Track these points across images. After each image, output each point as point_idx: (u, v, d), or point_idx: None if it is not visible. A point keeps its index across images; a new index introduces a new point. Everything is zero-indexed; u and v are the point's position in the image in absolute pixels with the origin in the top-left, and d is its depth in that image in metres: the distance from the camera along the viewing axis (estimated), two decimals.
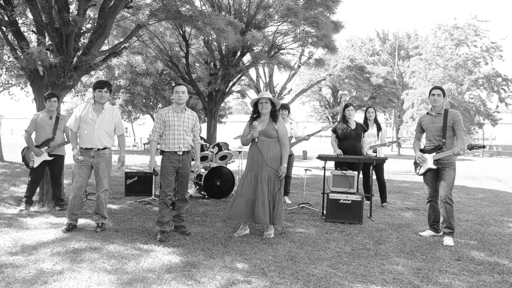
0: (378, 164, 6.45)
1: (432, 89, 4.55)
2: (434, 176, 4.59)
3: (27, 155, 5.64)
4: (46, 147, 5.61)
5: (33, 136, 5.65)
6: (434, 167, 4.49)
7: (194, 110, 22.53)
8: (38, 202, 5.84)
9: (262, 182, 4.41)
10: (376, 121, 6.67)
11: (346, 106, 6.17)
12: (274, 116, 4.54)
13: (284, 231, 4.78)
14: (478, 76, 25.78)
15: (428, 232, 4.67)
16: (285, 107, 6.74)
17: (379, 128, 6.60)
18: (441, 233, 4.62)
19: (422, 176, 4.76)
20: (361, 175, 6.36)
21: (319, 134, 6.70)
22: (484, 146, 4.62)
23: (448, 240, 4.36)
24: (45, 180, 5.85)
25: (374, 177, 6.42)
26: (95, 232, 4.52)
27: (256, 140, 4.49)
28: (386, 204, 6.54)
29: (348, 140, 6.03)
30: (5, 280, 3.10)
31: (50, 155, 5.65)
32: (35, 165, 5.62)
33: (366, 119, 6.65)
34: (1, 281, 3.08)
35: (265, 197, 4.39)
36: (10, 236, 4.28)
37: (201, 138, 7.84)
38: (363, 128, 6.20)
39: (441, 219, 4.52)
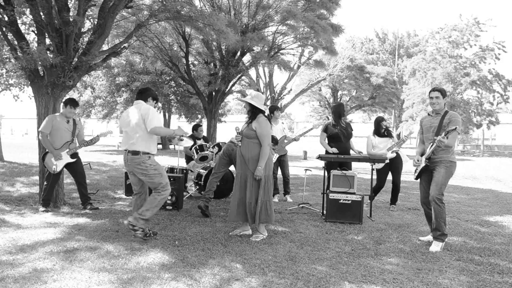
0: (395, 167, 6.35)
1: (430, 92, 4.41)
2: (428, 179, 4.39)
3: (48, 160, 5.56)
4: (67, 150, 5.61)
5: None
6: (423, 164, 4.37)
7: (194, 110, 22.60)
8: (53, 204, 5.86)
9: (246, 182, 4.46)
10: (386, 129, 6.44)
11: (341, 105, 6.29)
12: (253, 116, 4.52)
13: (273, 234, 4.77)
14: (473, 79, 25.81)
15: (428, 238, 4.53)
16: (277, 108, 6.89)
17: (389, 135, 6.42)
18: None
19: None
20: (375, 176, 6.28)
21: (317, 134, 6.70)
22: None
23: (434, 246, 4.17)
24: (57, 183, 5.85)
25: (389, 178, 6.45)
26: (94, 232, 4.52)
27: (240, 142, 4.56)
28: (394, 206, 6.48)
29: (340, 140, 6.13)
30: (4, 280, 3.10)
31: (71, 156, 5.67)
32: (58, 169, 5.58)
33: (376, 129, 6.42)
34: (0, 281, 3.08)
35: (248, 196, 4.43)
36: (10, 235, 4.28)
37: (203, 137, 7.82)
38: (351, 127, 6.31)
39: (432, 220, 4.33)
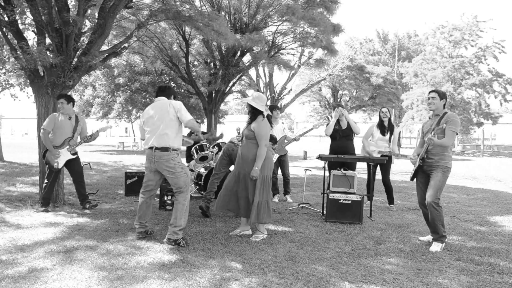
0: (384, 166, 6.35)
1: (429, 93, 4.42)
2: (425, 181, 4.40)
3: (49, 157, 5.56)
4: (68, 146, 5.61)
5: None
6: (417, 164, 4.36)
7: (194, 110, 22.60)
8: (54, 203, 5.86)
9: (244, 180, 4.49)
10: (389, 122, 6.43)
11: (337, 107, 6.33)
12: (253, 116, 4.53)
13: (272, 234, 4.77)
14: (474, 81, 25.81)
15: (428, 238, 4.53)
16: (276, 107, 6.87)
17: (391, 131, 6.37)
18: None
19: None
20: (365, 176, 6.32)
21: (317, 134, 6.73)
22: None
23: (434, 246, 4.18)
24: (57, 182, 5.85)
25: (379, 177, 6.45)
26: (94, 232, 4.52)
27: (240, 142, 4.61)
28: (392, 206, 6.45)
29: (339, 139, 6.20)
30: (4, 280, 3.10)
31: (72, 154, 5.67)
32: (60, 166, 5.57)
33: (380, 120, 6.44)
34: (0, 281, 3.08)
35: (247, 193, 4.46)
36: (10, 235, 4.28)
37: (203, 133, 7.80)
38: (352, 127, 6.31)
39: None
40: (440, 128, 4.16)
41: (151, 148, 4.12)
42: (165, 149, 4.05)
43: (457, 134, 4.21)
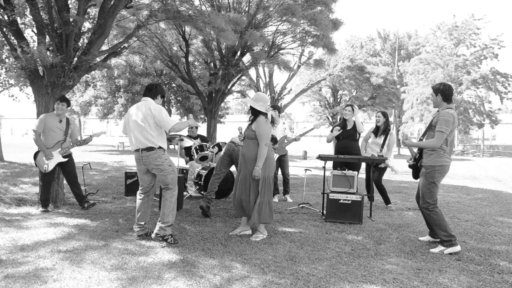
0: (378, 167, 6.35)
1: None
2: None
3: (40, 159, 5.55)
4: (60, 149, 5.59)
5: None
6: (411, 162, 4.39)
7: (193, 110, 22.55)
8: (53, 204, 5.86)
9: (244, 180, 4.51)
10: (385, 126, 6.38)
11: (349, 105, 6.40)
12: (254, 117, 4.56)
13: (274, 233, 4.77)
14: (475, 77, 25.78)
15: (427, 238, 4.54)
16: (274, 108, 6.82)
17: (386, 135, 6.32)
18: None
19: None
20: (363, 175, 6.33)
21: (317, 134, 6.75)
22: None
23: (436, 248, 4.15)
24: (55, 182, 5.84)
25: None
26: (94, 232, 4.52)
27: (242, 142, 4.64)
28: (390, 205, 6.46)
29: (343, 140, 6.25)
30: (4, 281, 3.10)
31: (64, 157, 5.64)
32: (50, 169, 5.55)
33: (375, 124, 6.49)
34: (1, 281, 3.08)
35: (247, 194, 4.48)
36: (10, 235, 4.28)
37: (199, 136, 7.80)
38: (356, 128, 6.31)
39: None
40: (420, 140, 4.19)
41: (137, 150, 4.21)
42: (151, 149, 4.15)
43: (447, 133, 4.04)
